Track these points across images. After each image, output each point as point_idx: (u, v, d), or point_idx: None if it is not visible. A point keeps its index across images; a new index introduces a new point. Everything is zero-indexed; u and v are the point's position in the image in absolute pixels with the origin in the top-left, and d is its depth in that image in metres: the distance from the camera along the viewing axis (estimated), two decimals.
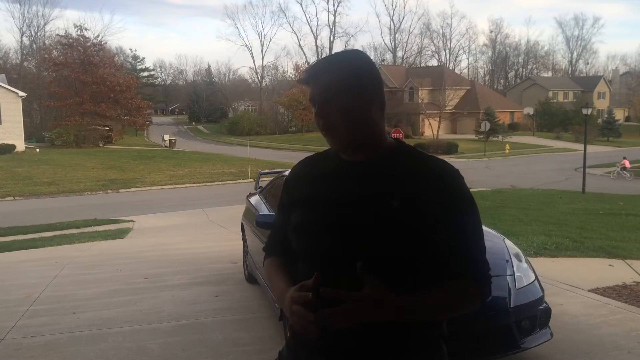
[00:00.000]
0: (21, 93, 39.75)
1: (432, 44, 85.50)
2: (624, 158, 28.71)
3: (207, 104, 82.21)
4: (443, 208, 1.33)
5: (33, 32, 63.02)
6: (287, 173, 5.56)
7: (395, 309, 1.26)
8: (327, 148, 1.53)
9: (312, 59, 79.12)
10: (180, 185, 26.16)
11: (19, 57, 62.37)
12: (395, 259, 1.32)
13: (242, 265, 6.62)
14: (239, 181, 25.86)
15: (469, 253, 1.36)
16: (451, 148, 40.44)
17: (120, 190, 24.77)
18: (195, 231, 12.75)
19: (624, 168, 27.61)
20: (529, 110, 60.27)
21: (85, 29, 50.11)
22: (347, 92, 1.36)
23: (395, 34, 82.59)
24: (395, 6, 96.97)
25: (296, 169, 1.57)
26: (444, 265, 1.35)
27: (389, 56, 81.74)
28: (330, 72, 1.38)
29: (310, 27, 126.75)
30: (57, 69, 47.97)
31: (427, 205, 1.32)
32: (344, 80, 1.37)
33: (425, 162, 1.39)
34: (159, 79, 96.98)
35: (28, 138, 43.38)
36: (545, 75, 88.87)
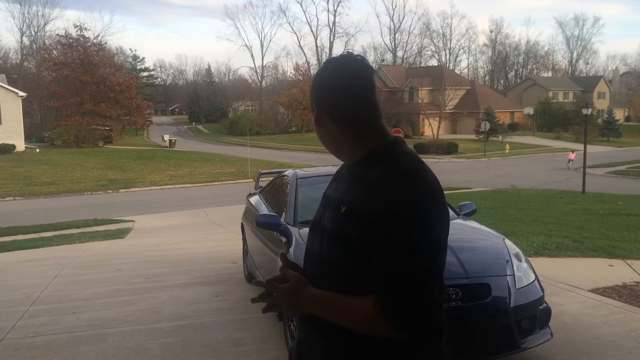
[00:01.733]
0: (21, 93, 39.74)
1: (432, 44, 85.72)
2: (572, 152, 33.23)
3: (207, 104, 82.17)
4: (375, 220, 1.25)
5: (33, 32, 63.11)
6: (287, 173, 5.58)
7: (312, 301, 1.33)
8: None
9: (312, 59, 79.19)
10: (180, 185, 26.13)
11: (19, 57, 62.42)
12: (341, 263, 1.33)
13: (242, 265, 6.62)
14: (239, 181, 25.85)
15: (393, 275, 1.23)
16: (451, 148, 40.42)
17: (120, 190, 24.75)
18: (195, 231, 12.75)
19: (570, 160, 32.01)
20: (529, 110, 60.26)
21: (85, 29, 50.21)
22: (316, 100, 1.43)
23: (395, 34, 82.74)
24: (395, 6, 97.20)
25: None
26: (372, 279, 1.26)
27: (389, 56, 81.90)
28: (314, 81, 1.46)
29: (310, 27, 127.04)
30: (57, 68, 47.96)
31: (362, 215, 1.27)
32: (318, 89, 1.44)
33: (378, 170, 1.31)
34: (159, 79, 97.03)
35: (28, 138, 43.38)
36: (545, 75, 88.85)
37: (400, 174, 1.28)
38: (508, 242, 4.10)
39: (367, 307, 1.24)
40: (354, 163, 1.41)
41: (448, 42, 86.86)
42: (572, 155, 32.23)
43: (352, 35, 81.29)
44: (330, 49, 77.90)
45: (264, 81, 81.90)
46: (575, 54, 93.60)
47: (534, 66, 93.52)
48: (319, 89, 1.42)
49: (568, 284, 5.48)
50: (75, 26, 49.53)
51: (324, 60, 1.47)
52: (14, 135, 38.34)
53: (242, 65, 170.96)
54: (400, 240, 1.23)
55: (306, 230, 2.66)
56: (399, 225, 1.23)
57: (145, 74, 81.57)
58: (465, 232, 4.29)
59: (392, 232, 1.23)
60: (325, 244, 1.38)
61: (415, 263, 1.23)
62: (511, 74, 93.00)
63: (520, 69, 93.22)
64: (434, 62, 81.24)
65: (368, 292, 1.26)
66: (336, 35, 78.87)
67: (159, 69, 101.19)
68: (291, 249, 3.99)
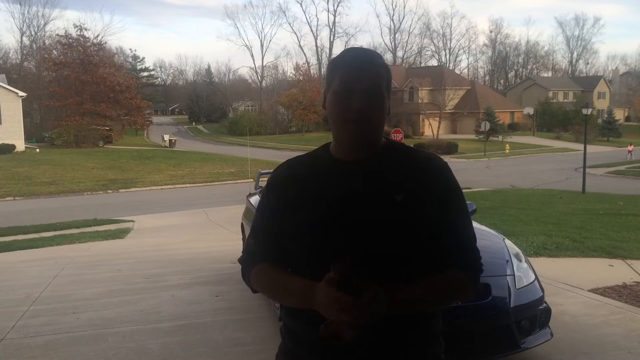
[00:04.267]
0: (21, 93, 39.75)
1: (432, 44, 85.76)
2: (630, 144, 38.92)
3: (207, 104, 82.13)
4: (438, 201, 1.37)
5: (33, 32, 63.24)
6: None
7: (388, 302, 1.24)
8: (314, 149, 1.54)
9: (312, 59, 79.19)
10: (180, 185, 26.15)
11: (19, 57, 62.50)
12: (397, 252, 1.35)
13: None
14: (239, 181, 25.85)
15: (462, 243, 1.40)
16: (451, 148, 40.45)
17: (120, 190, 24.76)
18: (195, 231, 12.75)
19: (630, 152, 37.10)
20: (529, 110, 60.25)
21: (85, 29, 50.18)
22: (386, 90, 1.41)
23: (395, 34, 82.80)
24: (395, 6, 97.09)
25: (280, 171, 1.51)
26: (440, 257, 1.38)
27: (389, 56, 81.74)
28: (379, 65, 1.41)
29: (310, 27, 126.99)
30: (57, 68, 47.95)
31: (423, 199, 1.36)
32: (387, 78, 1.42)
33: (417, 157, 1.44)
34: (159, 79, 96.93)
35: (28, 138, 43.37)
36: (545, 75, 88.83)
37: (437, 159, 1.45)
38: (508, 242, 4.10)
39: (465, 280, 1.38)
40: (375, 155, 1.41)
41: (448, 42, 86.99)
42: (630, 147, 37.58)
43: (352, 35, 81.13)
44: (330, 49, 77.96)
45: (264, 81, 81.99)
46: (575, 54, 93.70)
47: (534, 66, 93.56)
48: (385, 75, 1.42)
49: (568, 284, 5.48)
50: (75, 26, 49.58)
51: (365, 47, 1.43)
52: (14, 135, 38.35)
53: (242, 65, 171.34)
54: (464, 214, 1.42)
55: None
56: (462, 201, 1.42)
57: (145, 74, 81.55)
58: None
59: (461, 207, 1.42)
60: (377, 237, 1.34)
61: (473, 231, 1.43)
62: (511, 74, 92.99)
63: (520, 69, 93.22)
64: (434, 62, 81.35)
65: (432, 268, 1.37)
66: (336, 35, 79.00)
67: (158, 69, 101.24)
68: None
